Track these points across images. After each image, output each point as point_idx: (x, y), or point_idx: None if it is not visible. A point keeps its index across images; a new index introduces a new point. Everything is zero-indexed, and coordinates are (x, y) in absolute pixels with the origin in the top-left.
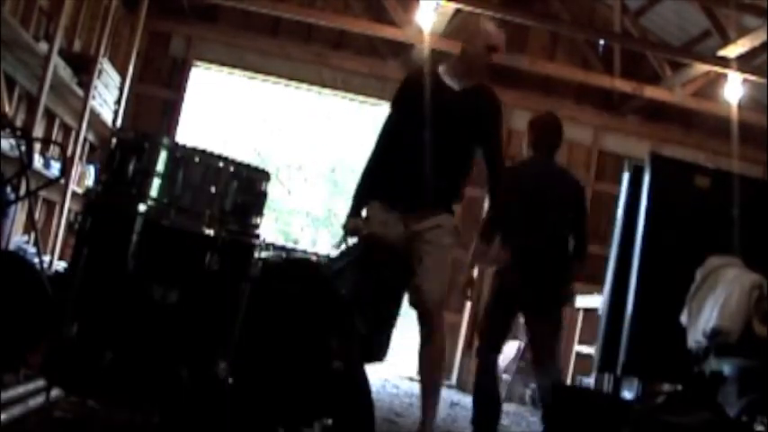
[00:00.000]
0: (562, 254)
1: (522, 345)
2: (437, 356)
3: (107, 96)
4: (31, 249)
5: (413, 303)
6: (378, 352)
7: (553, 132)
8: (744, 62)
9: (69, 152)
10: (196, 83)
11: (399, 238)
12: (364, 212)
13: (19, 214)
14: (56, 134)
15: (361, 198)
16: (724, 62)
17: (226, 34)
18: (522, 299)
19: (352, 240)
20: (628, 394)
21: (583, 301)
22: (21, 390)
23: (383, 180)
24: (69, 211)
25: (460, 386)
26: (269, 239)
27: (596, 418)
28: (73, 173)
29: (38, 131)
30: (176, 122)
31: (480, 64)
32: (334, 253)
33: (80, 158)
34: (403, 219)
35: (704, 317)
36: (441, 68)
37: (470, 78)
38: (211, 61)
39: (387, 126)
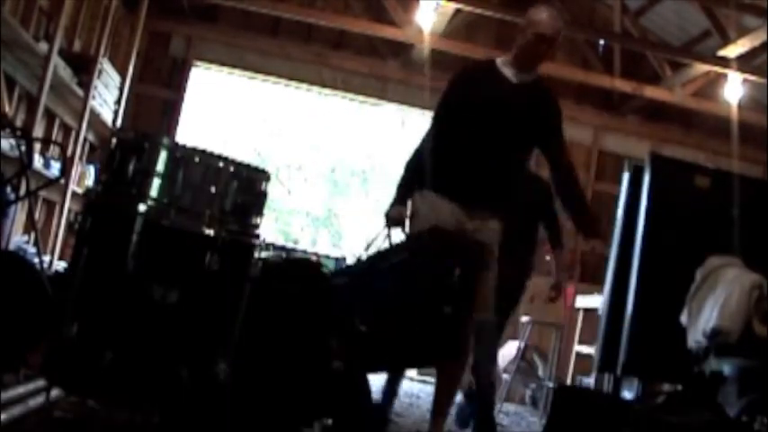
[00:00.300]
0: (529, 254)
1: (523, 345)
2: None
3: (107, 96)
4: (31, 249)
5: None
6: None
7: None
8: (744, 62)
9: (69, 152)
10: (196, 83)
11: (450, 222)
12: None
13: (19, 214)
14: (56, 134)
15: (407, 187)
16: (724, 62)
17: (226, 34)
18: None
19: (396, 233)
20: (628, 394)
21: (583, 301)
22: (21, 390)
23: (440, 172)
24: (69, 211)
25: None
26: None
27: (596, 418)
28: (73, 173)
29: (38, 131)
30: (176, 122)
31: (532, 55)
32: (364, 252)
33: (80, 158)
34: (458, 213)
35: (704, 317)
36: (499, 60)
37: (527, 71)
38: (211, 61)
39: (441, 117)
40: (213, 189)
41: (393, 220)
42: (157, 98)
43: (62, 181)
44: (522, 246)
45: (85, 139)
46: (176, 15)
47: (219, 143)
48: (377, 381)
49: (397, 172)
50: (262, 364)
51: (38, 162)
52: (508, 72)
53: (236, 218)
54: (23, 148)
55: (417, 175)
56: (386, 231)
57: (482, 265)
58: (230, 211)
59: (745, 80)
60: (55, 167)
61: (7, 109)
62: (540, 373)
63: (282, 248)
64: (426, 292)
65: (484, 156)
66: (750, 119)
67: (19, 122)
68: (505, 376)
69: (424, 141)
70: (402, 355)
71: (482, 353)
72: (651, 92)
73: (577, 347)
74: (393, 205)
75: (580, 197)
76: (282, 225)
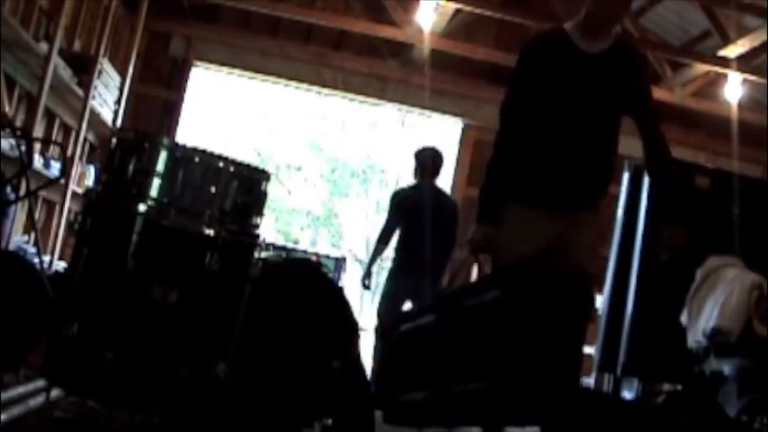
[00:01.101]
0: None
1: None
2: None
3: (107, 96)
4: (31, 249)
5: None
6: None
7: (436, 162)
8: (744, 62)
9: (69, 152)
10: (196, 83)
11: (542, 242)
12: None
13: (19, 214)
14: (56, 134)
15: (494, 200)
16: (724, 62)
17: (226, 34)
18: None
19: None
20: (628, 394)
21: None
22: (21, 390)
23: (520, 174)
24: (69, 211)
25: None
26: (269, 239)
27: (596, 418)
28: (73, 173)
29: (38, 131)
30: (176, 122)
31: (615, 14)
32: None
33: (80, 158)
34: (548, 225)
35: (704, 317)
36: (568, 27)
37: (606, 36)
38: (211, 61)
39: (512, 110)
40: (213, 189)
41: (478, 245)
42: (157, 98)
43: (62, 181)
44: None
45: (85, 139)
46: (176, 15)
47: (219, 143)
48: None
49: (396, 172)
50: (262, 365)
51: (38, 162)
52: (582, 43)
53: (236, 218)
54: (23, 148)
55: (504, 184)
56: (472, 259)
57: (585, 299)
58: (230, 211)
59: (745, 80)
60: (55, 167)
61: (7, 109)
62: None
63: (282, 248)
64: (527, 333)
65: (570, 146)
66: (750, 119)
67: (19, 122)
68: None
69: (503, 141)
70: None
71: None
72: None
73: None
74: (477, 226)
75: (671, 177)
76: (282, 225)
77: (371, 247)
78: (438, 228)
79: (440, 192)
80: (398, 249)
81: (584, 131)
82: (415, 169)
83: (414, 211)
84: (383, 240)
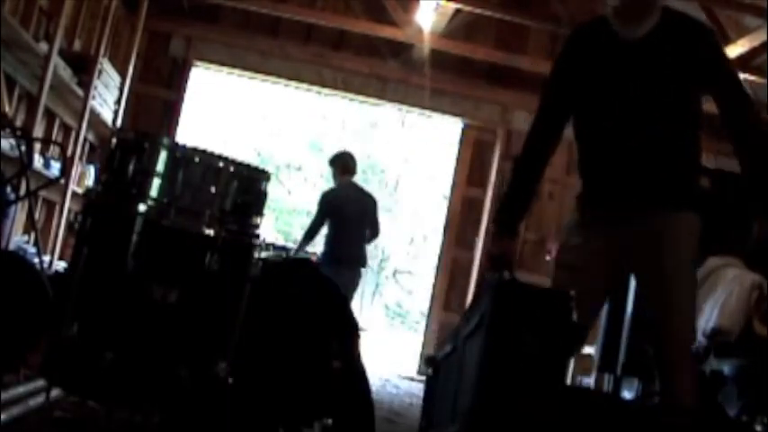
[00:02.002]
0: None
1: None
2: None
3: (107, 96)
4: (31, 249)
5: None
6: None
7: (350, 164)
8: (744, 62)
9: (69, 152)
10: (196, 83)
11: (599, 255)
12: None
13: (19, 214)
14: (56, 134)
15: (515, 208)
16: None
17: (226, 34)
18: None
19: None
20: (628, 394)
21: None
22: (21, 390)
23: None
24: (69, 211)
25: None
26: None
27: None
28: (73, 173)
29: (38, 131)
30: (176, 122)
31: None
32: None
33: (80, 158)
34: (608, 227)
35: (704, 317)
36: (609, 11)
37: (646, 17)
38: (211, 61)
39: (549, 113)
40: (213, 189)
41: (497, 260)
42: (157, 98)
43: (62, 181)
44: None
45: (85, 139)
46: (176, 15)
47: (219, 143)
48: (377, 381)
49: (396, 172)
50: (262, 365)
51: (38, 162)
52: (622, 30)
53: (236, 218)
54: (23, 148)
55: (528, 190)
56: (499, 275)
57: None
58: (230, 211)
59: (745, 80)
60: (55, 167)
61: (7, 109)
62: None
63: (282, 248)
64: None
65: (616, 148)
66: None
67: (19, 122)
68: None
69: (531, 145)
70: None
71: None
72: None
73: None
74: (496, 237)
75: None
76: (282, 225)
77: (372, 247)
78: (360, 221)
79: (359, 189)
80: (326, 243)
81: (634, 128)
82: (334, 173)
83: (337, 210)
84: (309, 236)
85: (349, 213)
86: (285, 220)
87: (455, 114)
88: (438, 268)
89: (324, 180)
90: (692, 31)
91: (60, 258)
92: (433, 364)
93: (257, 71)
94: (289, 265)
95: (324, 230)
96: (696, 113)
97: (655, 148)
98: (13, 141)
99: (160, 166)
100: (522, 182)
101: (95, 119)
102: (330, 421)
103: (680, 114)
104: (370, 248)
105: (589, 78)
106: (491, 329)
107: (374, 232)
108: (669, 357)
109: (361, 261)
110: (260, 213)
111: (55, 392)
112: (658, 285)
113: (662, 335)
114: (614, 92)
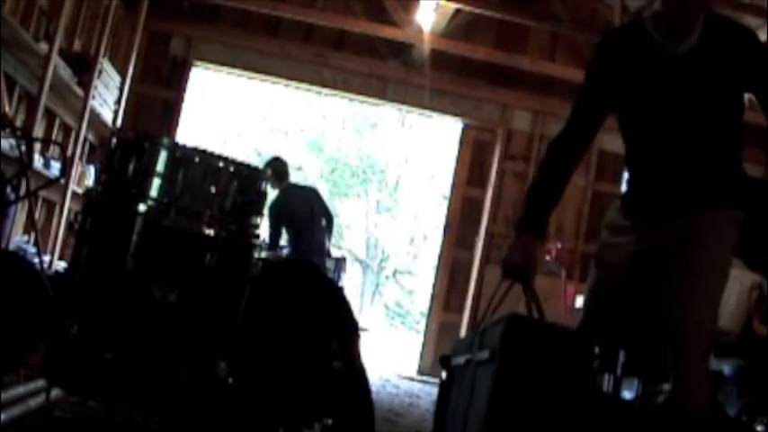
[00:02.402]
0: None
1: None
2: None
3: (107, 96)
4: (31, 249)
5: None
6: None
7: (283, 169)
8: None
9: (69, 152)
10: (196, 83)
11: (639, 254)
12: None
13: (19, 214)
14: (56, 134)
15: (544, 209)
16: None
17: (226, 34)
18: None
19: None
20: (628, 394)
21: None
22: (21, 390)
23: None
24: (69, 211)
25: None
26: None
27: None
28: (73, 173)
29: (38, 131)
30: (176, 122)
31: (691, 9)
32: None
33: (80, 158)
34: (651, 228)
35: None
36: (649, 21)
37: (691, 29)
38: (211, 61)
39: (585, 119)
40: (213, 189)
41: (515, 270)
42: (157, 98)
43: (62, 181)
44: None
45: (85, 139)
46: (176, 15)
47: (219, 143)
48: (377, 381)
49: (396, 172)
50: (262, 364)
51: (38, 162)
52: (664, 42)
53: (236, 218)
54: (23, 148)
55: (560, 191)
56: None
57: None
58: (230, 211)
59: None
60: (55, 167)
61: (7, 109)
62: None
63: (282, 248)
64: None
65: (680, 146)
66: (750, 119)
67: (19, 122)
68: None
69: (570, 144)
70: None
71: None
72: None
73: None
74: (520, 241)
75: None
76: None
77: (372, 247)
78: (311, 215)
79: (298, 187)
80: (290, 247)
81: (683, 138)
82: (272, 183)
83: (288, 214)
84: (272, 248)
85: (299, 213)
86: None
87: (455, 114)
88: (438, 268)
89: (324, 180)
90: (738, 40)
91: (60, 258)
92: (447, 368)
93: (257, 71)
94: (289, 265)
95: (284, 237)
96: (739, 111)
97: (703, 154)
98: (13, 141)
99: (160, 166)
100: (553, 183)
101: (95, 119)
102: (330, 421)
103: (726, 118)
104: (370, 248)
105: (631, 89)
106: (500, 374)
107: (329, 219)
108: (685, 355)
109: (326, 252)
110: (260, 213)
111: (55, 392)
112: (690, 280)
113: (680, 330)
114: (661, 106)
